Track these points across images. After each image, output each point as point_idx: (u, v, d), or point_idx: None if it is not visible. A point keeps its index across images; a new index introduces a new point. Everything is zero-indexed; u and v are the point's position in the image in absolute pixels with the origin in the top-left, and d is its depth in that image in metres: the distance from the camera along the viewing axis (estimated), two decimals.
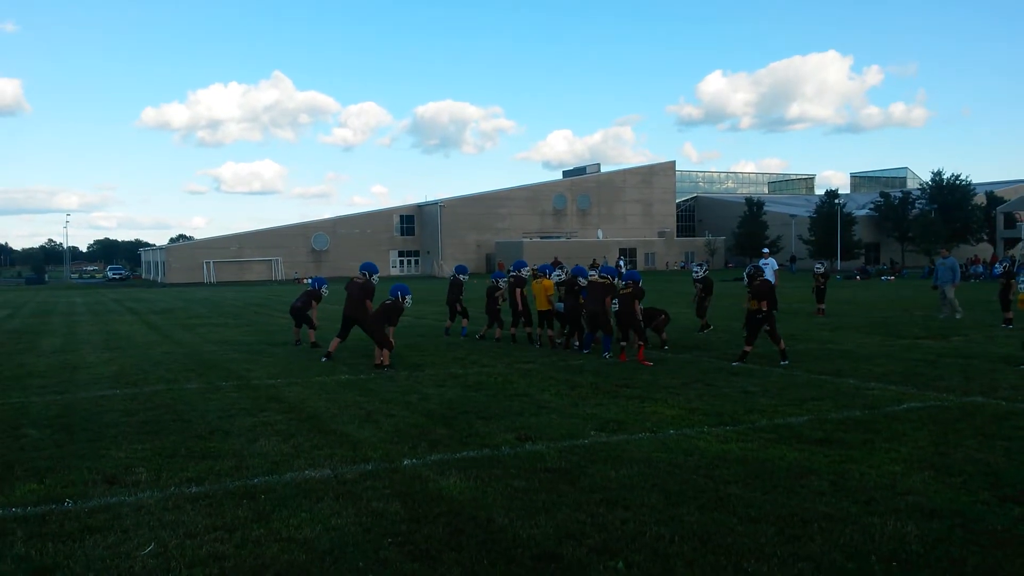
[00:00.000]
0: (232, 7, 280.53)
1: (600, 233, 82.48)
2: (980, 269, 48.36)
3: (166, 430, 8.18)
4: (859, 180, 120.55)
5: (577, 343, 14.49)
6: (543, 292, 15.06)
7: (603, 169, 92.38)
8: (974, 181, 71.12)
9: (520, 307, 15.60)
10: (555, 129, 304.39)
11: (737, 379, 10.95)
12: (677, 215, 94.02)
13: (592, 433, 7.73)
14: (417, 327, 19.55)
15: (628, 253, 76.31)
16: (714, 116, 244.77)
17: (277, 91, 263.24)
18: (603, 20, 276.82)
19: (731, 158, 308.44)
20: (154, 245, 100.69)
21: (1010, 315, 17.68)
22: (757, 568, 4.40)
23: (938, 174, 70.29)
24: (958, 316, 19.46)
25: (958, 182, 69.03)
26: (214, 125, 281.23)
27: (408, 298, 12.79)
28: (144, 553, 4.75)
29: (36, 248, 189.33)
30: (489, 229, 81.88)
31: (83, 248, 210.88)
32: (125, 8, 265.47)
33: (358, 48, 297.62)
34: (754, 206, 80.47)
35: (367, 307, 13.08)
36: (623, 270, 18.77)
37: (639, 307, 13.17)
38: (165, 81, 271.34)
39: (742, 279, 12.77)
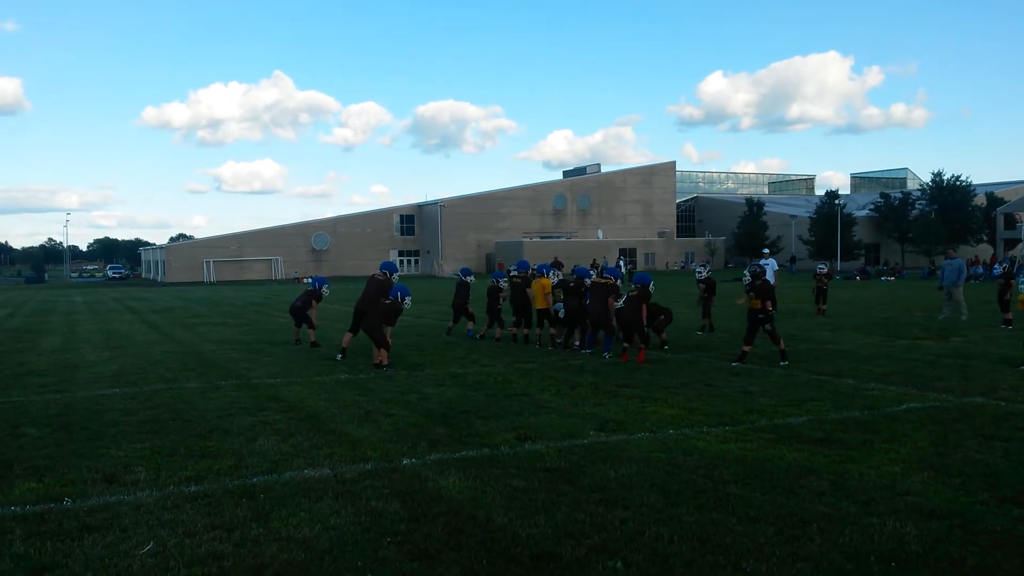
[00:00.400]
0: (233, 6, 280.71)
1: (600, 233, 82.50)
2: (980, 270, 48.31)
3: (165, 429, 8.18)
4: (859, 181, 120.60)
5: (577, 343, 14.49)
6: (541, 290, 15.08)
7: (603, 169, 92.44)
8: (974, 182, 71.24)
9: (527, 307, 15.59)
10: (555, 129, 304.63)
11: (737, 379, 10.95)
12: (677, 215, 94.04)
13: (591, 433, 7.73)
14: (417, 327, 19.55)
15: (628, 253, 76.30)
16: (714, 116, 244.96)
17: (278, 90, 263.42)
18: (604, 20, 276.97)
19: (731, 158, 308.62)
20: (154, 244, 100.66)
21: (1009, 316, 17.68)
22: (756, 568, 4.39)
23: (938, 175, 70.35)
24: (963, 317, 19.42)
25: (958, 183, 69.07)
26: (215, 124, 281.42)
27: (408, 299, 12.85)
28: (143, 552, 4.74)
29: (36, 247, 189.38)
30: (489, 229, 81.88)
31: (83, 247, 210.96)
32: (126, 7, 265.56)
33: (359, 48, 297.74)
34: (754, 206, 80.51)
35: (379, 305, 13.09)
36: (623, 270, 18.75)
37: (645, 309, 13.18)
38: (166, 80, 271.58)
39: (743, 278, 12.75)
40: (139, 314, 27.76)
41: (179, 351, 15.53)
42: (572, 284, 14.60)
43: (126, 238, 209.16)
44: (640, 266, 74.28)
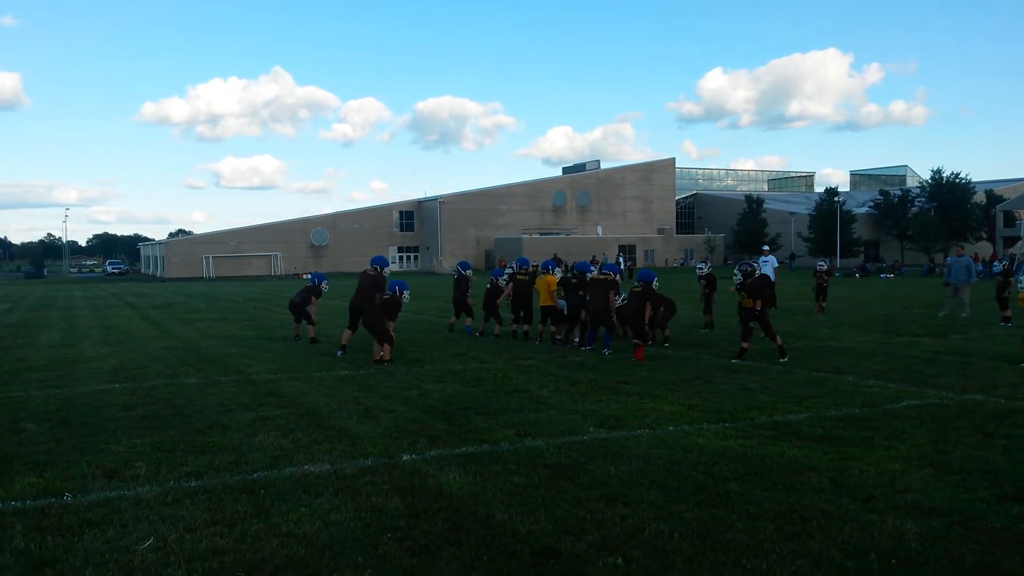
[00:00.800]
0: (232, 2, 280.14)
1: (600, 230, 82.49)
2: (979, 268, 48.33)
3: (165, 425, 8.18)
4: (859, 178, 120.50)
5: (577, 339, 14.49)
6: (546, 288, 15.06)
7: (603, 166, 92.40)
8: (974, 179, 71.25)
9: (529, 304, 15.58)
10: (555, 126, 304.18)
11: (736, 376, 10.95)
12: (677, 212, 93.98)
13: (591, 429, 7.73)
14: (416, 323, 19.54)
15: (627, 250, 76.31)
16: (714, 113, 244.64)
17: (277, 86, 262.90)
18: (603, 16, 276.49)
19: (731, 155, 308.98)
20: (153, 240, 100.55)
21: (1008, 313, 17.69)
22: (756, 565, 4.40)
23: (938, 172, 70.34)
24: (963, 315, 19.41)
25: (958, 180, 69.06)
26: (214, 120, 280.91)
27: (406, 293, 12.86)
28: (143, 547, 4.75)
29: (35, 242, 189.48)
30: (489, 225, 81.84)
31: (82, 242, 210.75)
32: (125, 2, 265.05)
33: (358, 43, 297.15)
34: (754, 203, 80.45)
35: (375, 300, 13.11)
36: (623, 266, 18.76)
37: (649, 306, 13.17)
38: (165, 76, 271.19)
39: (734, 277, 12.74)
40: (138, 310, 27.75)
41: (178, 347, 15.53)
42: (573, 280, 14.59)
43: (125, 233, 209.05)
44: (640, 263, 74.28)
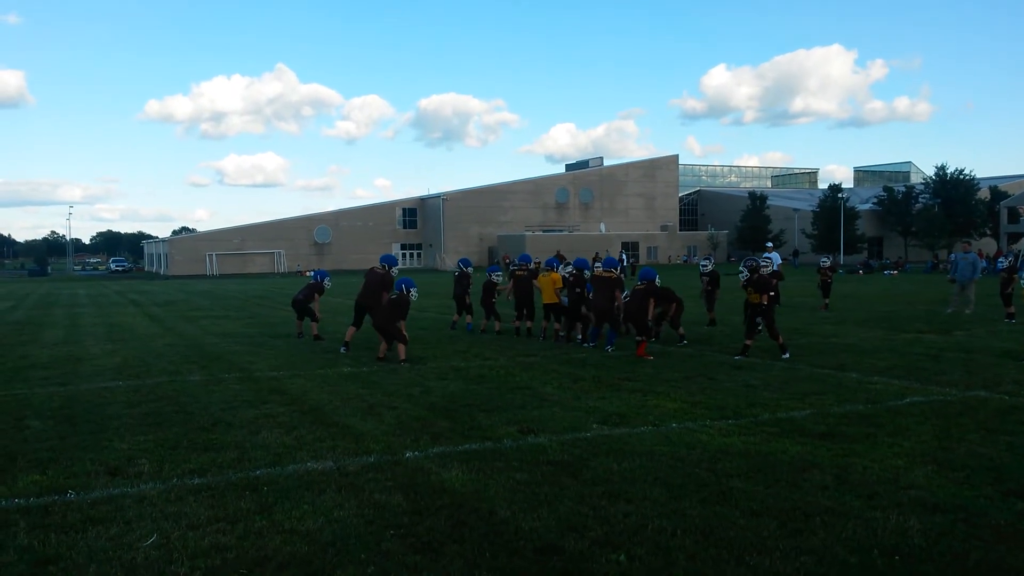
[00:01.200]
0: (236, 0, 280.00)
1: (603, 227, 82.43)
2: (984, 264, 48.23)
3: (168, 422, 8.19)
4: (862, 174, 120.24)
5: (579, 336, 14.48)
6: (551, 285, 15.05)
7: (606, 163, 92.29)
8: (978, 175, 70.98)
9: (529, 301, 15.57)
10: (558, 122, 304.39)
11: (739, 373, 10.94)
12: (680, 209, 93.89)
13: (594, 426, 7.73)
14: (419, 320, 19.53)
15: (631, 247, 76.22)
16: (717, 110, 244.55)
17: (280, 84, 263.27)
18: (606, 13, 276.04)
19: (734, 152, 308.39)
20: (157, 237, 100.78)
21: (1012, 310, 17.64)
22: (759, 562, 4.39)
23: (942, 168, 70.14)
24: (968, 311, 19.35)
25: (962, 177, 68.86)
26: (217, 117, 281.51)
27: (413, 291, 12.68)
28: (147, 544, 4.75)
29: (39, 240, 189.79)
30: (492, 222, 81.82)
31: (86, 240, 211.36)
32: (129, 0, 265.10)
33: (361, 41, 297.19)
34: (757, 200, 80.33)
35: (383, 299, 13.08)
36: (626, 263, 18.77)
37: (653, 304, 13.15)
38: (168, 74, 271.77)
39: (740, 274, 12.73)
40: (142, 307, 27.79)
41: (182, 344, 15.55)
42: (571, 277, 14.58)
43: (129, 231, 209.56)
44: (643, 260, 74.22)
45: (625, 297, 13.62)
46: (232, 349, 14.54)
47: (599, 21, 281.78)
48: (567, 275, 14.86)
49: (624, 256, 56.64)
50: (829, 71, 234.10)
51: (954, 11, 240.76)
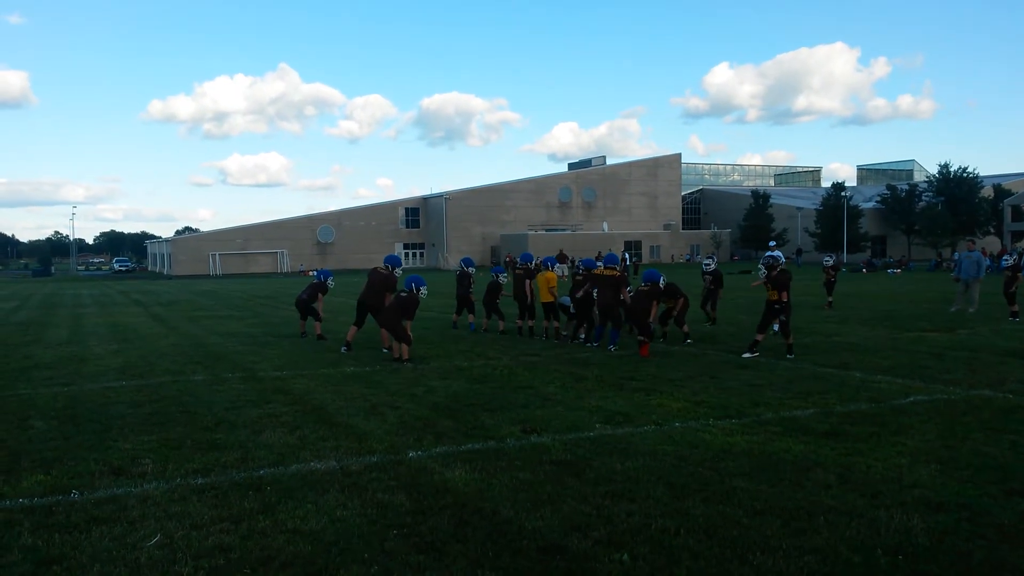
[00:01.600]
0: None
1: (605, 226, 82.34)
2: (987, 262, 48.15)
3: (172, 422, 8.20)
4: (866, 172, 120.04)
5: (583, 336, 14.47)
6: (545, 284, 15.08)
7: (608, 161, 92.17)
8: (981, 173, 70.84)
9: (529, 300, 15.58)
10: (560, 121, 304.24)
11: (743, 372, 10.92)
12: (683, 208, 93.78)
13: (597, 426, 7.72)
14: (422, 319, 19.52)
15: (633, 246, 76.18)
16: (720, 108, 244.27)
17: (283, 83, 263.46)
18: (609, 12, 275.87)
19: (737, 150, 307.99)
20: (160, 237, 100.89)
21: (1016, 308, 17.61)
22: (763, 561, 4.39)
23: (945, 167, 70.02)
24: (971, 310, 19.31)
25: (965, 175, 68.72)
26: (220, 117, 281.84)
27: (423, 289, 12.55)
28: (150, 544, 4.76)
29: (42, 240, 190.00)
30: (494, 221, 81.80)
31: (89, 240, 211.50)
32: (131, 0, 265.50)
33: (364, 40, 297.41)
34: (760, 199, 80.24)
35: (385, 299, 13.08)
36: (628, 261, 18.76)
37: (656, 305, 13.13)
38: (171, 73, 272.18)
39: (758, 271, 12.72)
40: (145, 307, 27.83)
41: (185, 344, 15.56)
42: (578, 276, 14.57)
43: (132, 231, 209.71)
44: (645, 259, 74.17)
45: (629, 291, 13.60)
46: (236, 349, 14.55)
47: (601, 20, 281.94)
48: (574, 273, 14.85)
49: (627, 256, 56.60)
50: (832, 69, 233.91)
51: (956, 8, 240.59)
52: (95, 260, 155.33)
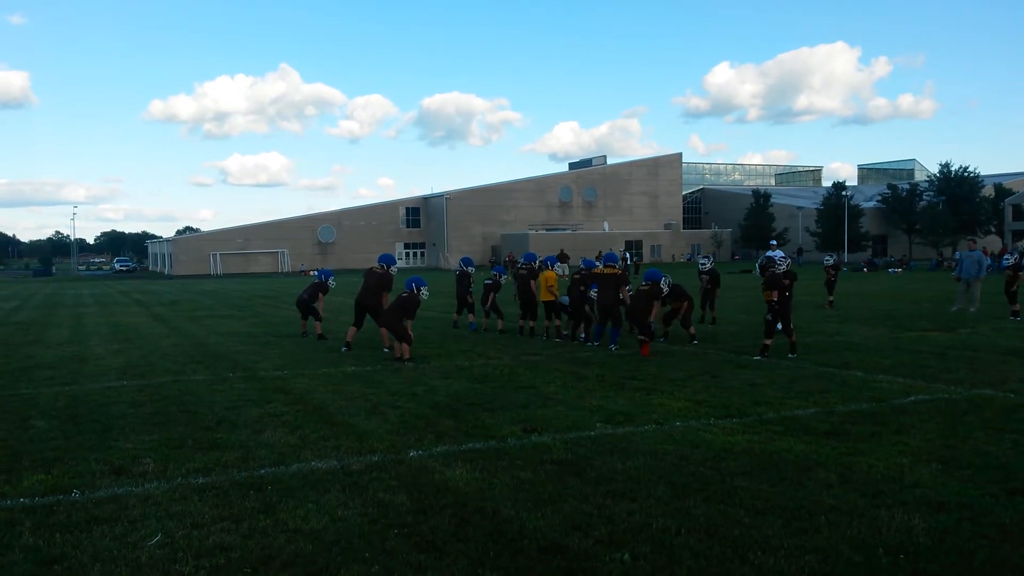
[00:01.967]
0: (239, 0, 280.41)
1: (606, 225, 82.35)
2: (988, 261, 48.12)
3: (173, 421, 8.20)
4: (866, 172, 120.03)
5: (583, 335, 14.46)
6: (545, 283, 15.08)
7: (609, 161, 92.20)
8: (982, 173, 70.90)
9: (532, 300, 15.57)
10: (561, 121, 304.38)
11: (744, 371, 10.92)
12: (683, 207, 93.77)
13: (598, 425, 7.72)
14: (423, 319, 19.51)
15: (634, 245, 76.18)
16: (721, 108, 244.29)
17: (284, 83, 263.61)
18: (609, 12, 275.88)
19: (738, 150, 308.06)
20: (161, 237, 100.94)
21: (1017, 307, 17.59)
22: (764, 560, 4.38)
23: (946, 166, 70.08)
24: (972, 309, 19.29)
25: (966, 174, 68.74)
26: (221, 117, 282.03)
27: (424, 290, 12.52)
28: (151, 543, 4.76)
29: (43, 240, 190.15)
30: (495, 221, 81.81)
31: (90, 240, 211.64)
32: (132, 1, 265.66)
33: (364, 40, 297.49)
34: (761, 198, 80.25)
35: (383, 299, 13.06)
36: (629, 261, 18.74)
37: (657, 305, 13.11)
38: (172, 73, 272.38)
39: (753, 270, 12.73)
40: (146, 307, 27.84)
41: (186, 344, 15.57)
42: (578, 276, 14.56)
43: (133, 231, 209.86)
44: (646, 258, 74.14)
45: (630, 291, 13.60)
46: (236, 349, 14.56)
47: (602, 20, 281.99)
48: (574, 274, 14.85)
49: (627, 255, 56.57)
50: (833, 68, 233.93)
51: (958, 8, 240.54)
52: (96, 260, 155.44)
